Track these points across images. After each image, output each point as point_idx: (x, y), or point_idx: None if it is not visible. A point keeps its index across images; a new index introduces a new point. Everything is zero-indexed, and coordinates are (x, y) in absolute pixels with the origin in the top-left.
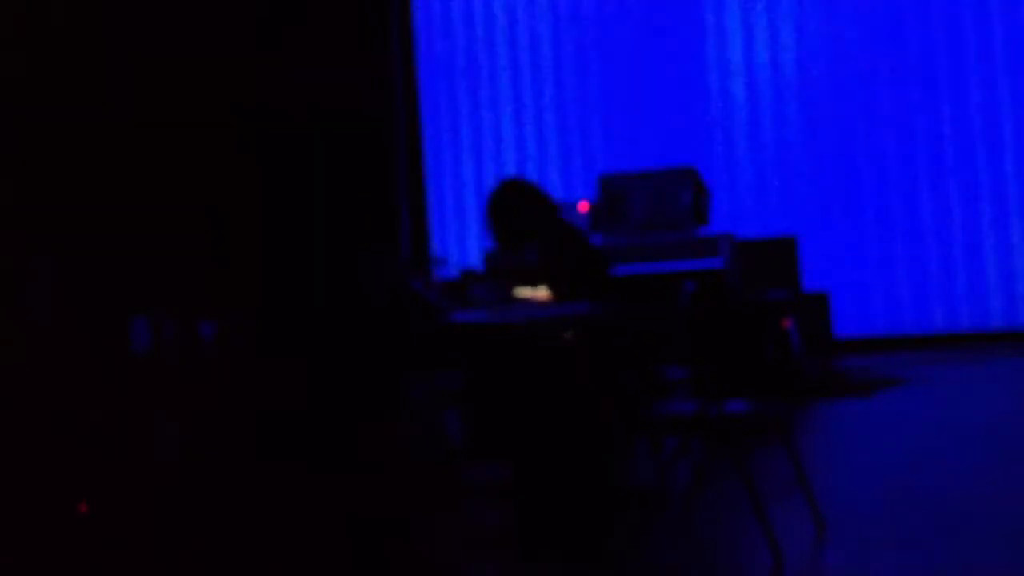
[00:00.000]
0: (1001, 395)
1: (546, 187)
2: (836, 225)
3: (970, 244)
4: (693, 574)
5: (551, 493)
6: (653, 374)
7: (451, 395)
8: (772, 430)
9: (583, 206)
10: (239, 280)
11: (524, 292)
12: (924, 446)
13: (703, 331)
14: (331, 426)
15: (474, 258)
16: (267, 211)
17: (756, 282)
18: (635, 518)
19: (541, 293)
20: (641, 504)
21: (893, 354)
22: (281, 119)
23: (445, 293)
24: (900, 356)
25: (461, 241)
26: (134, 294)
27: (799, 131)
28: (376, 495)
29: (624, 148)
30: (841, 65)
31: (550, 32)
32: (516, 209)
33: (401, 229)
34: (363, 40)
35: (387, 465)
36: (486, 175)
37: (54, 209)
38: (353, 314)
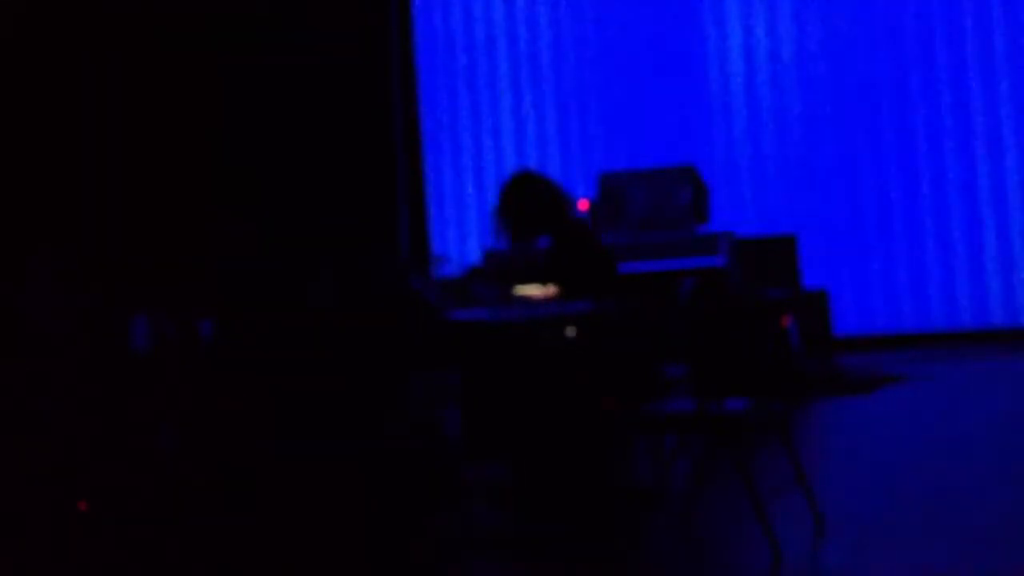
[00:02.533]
0: (1001, 393)
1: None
2: (836, 223)
3: (970, 241)
4: (693, 572)
5: (551, 492)
6: (652, 372)
7: (450, 394)
8: (771, 428)
9: (583, 204)
10: (239, 279)
11: (530, 290)
12: (924, 444)
13: (702, 329)
14: (331, 424)
15: (474, 256)
16: (267, 210)
17: (756, 280)
18: (635, 517)
19: (547, 290)
20: (641, 503)
21: (893, 352)
22: (281, 119)
23: (445, 291)
24: (900, 354)
25: (461, 239)
26: (133, 293)
27: (799, 129)
28: (376, 493)
29: (623, 146)
30: (841, 63)
31: (550, 30)
32: (527, 202)
33: (401, 227)
34: (363, 38)
35: (387, 463)
36: (486, 173)
37: (53, 208)
38: (353, 312)
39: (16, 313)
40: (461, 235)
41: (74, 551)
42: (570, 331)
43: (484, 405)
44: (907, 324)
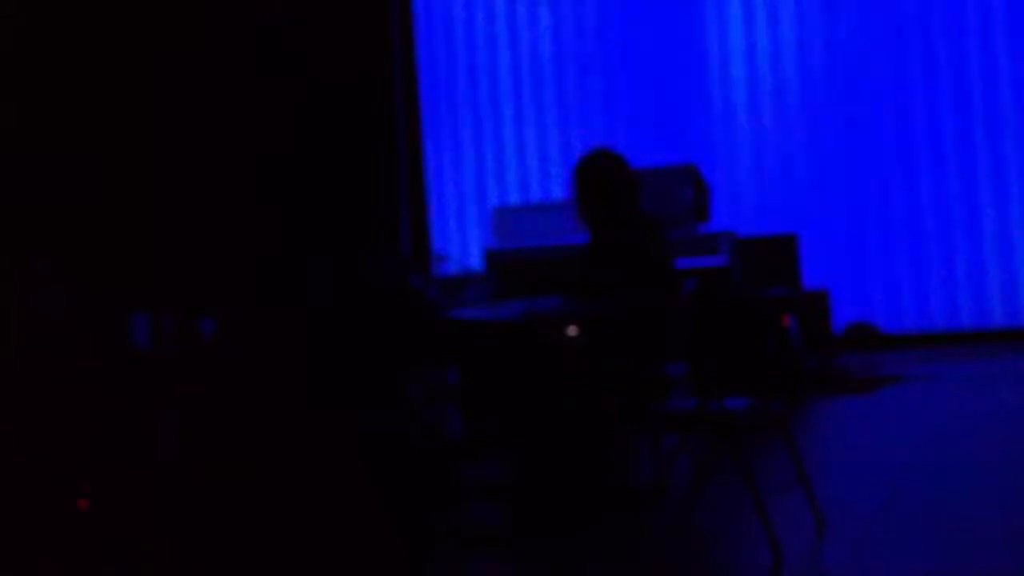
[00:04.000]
0: (1002, 393)
1: (551, 178)
2: (837, 222)
3: (971, 241)
4: (693, 571)
5: (550, 491)
6: (653, 371)
7: (450, 392)
8: (772, 427)
9: None
10: (240, 277)
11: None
12: (924, 443)
13: (703, 328)
14: (330, 423)
15: (474, 256)
16: (267, 208)
17: (757, 279)
18: (635, 517)
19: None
20: (641, 502)
21: (893, 352)
22: (282, 119)
23: (445, 290)
24: (900, 354)
25: (462, 238)
26: (134, 290)
27: (800, 128)
28: (375, 492)
29: (625, 145)
30: (842, 62)
31: (551, 30)
32: (593, 183)
33: (401, 225)
34: (364, 37)
35: (386, 462)
36: (487, 171)
37: (54, 205)
38: (352, 311)
39: (17, 312)
40: (461, 233)
41: (74, 551)
42: (571, 330)
43: (484, 404)
44: (908, 324)
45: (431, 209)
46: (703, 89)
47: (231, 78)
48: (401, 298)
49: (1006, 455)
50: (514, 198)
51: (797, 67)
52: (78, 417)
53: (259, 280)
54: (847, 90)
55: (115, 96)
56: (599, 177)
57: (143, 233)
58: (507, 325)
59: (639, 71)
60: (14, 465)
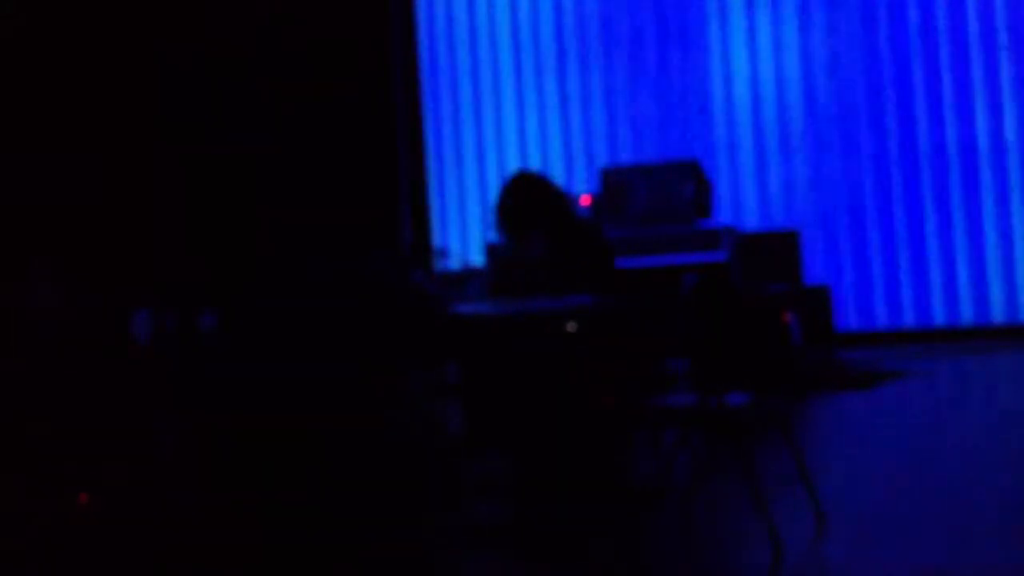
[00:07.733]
0: (1001, 390)
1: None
2: (838, 219)
3: (972, 239)
4: (694, 568)
5: (551, 488)
6: (654, 367)
7: (451, 388)
8: (773, 423)
9: (585, 199)
10: (240, 273)
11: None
12: (925, 440)
13: (704, 324)
14: (331, 420)
15: (475, 251)
16: (269, 205)
17: (758, 275)
18: (635, 512)
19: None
20: (641, 498)
21: (894, 348)
22: (283, 114)
23: (446, 285)
24: (901, 350)
25: (463, 233)
26: (133, 290)
27: (802, 124)
28: (375, 490)
29: (626, 141)
30: (844, 59)
31: (552, 24)
32: (525, 202)
33: (403, 221)
34: (365, 34)
35: (387, 458)
36: (488, 167)
37: (54, 205)
38: (354, 307)
39: (17, 312)
40: (463, 229)
41: (74, 548)
42: (571, 326)
43: (484, 400)
44: (908, 320)
45: (432, 205)
46: (705, 85)
47: (231, 77)
48: (402, 294)
49: (1006, 451)
50: None
51: (799, 63)
52: (78, 416)
53: (260, 277)
54: (848, 86)
55: (115, 96)
56: (545, 185)
57: (143, 233)
58: (508, 321)
59: (641, 67)
60: (15, 464)
